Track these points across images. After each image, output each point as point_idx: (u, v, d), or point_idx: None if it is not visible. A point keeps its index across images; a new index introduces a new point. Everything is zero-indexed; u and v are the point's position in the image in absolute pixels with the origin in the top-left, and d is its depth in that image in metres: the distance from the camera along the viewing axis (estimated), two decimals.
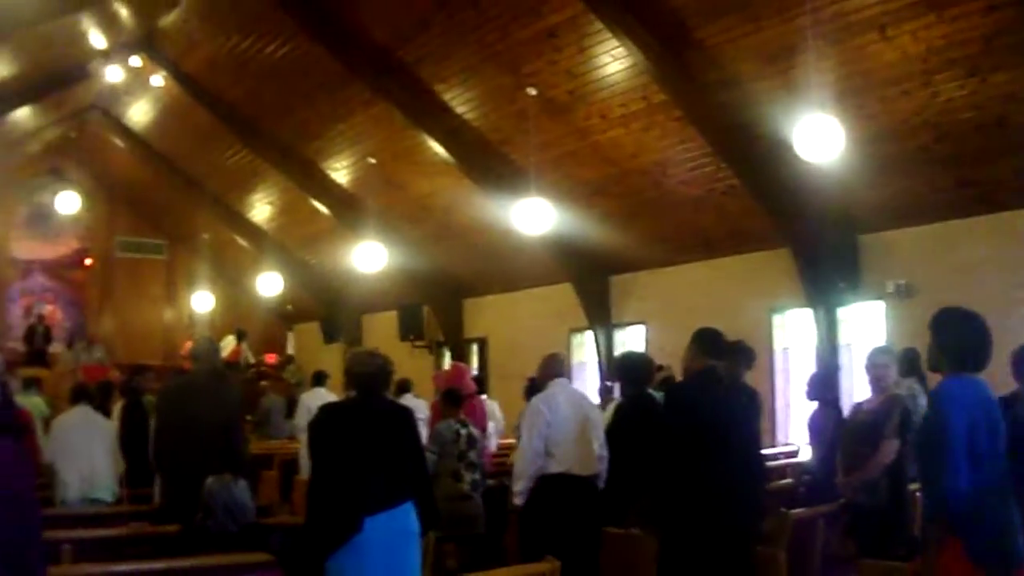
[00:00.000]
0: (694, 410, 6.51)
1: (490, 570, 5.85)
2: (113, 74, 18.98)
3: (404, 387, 14.00)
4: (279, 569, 5.83)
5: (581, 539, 7.96)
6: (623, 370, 8.95)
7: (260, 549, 6.00)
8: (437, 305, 21.71)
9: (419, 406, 11.99)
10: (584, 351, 18.52)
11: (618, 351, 16.50)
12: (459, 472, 9.80)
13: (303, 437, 12.03)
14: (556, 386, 8.60)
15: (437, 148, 16.06)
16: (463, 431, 10.00)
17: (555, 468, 8.28)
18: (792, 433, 14.37)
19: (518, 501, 8.44)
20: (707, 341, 6.79)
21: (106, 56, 18.72)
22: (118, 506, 9.75)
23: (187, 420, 7.98)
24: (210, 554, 5.96)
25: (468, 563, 9.04)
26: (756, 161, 12.77)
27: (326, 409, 6.25)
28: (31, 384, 15.11)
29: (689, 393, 6.89)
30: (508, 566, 6.20)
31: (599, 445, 8.52)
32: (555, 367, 8.79)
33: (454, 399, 10.42)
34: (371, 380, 6.12)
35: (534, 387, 10.21)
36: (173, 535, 7.14)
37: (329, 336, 25.43)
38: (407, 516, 5.92)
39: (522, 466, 8.46)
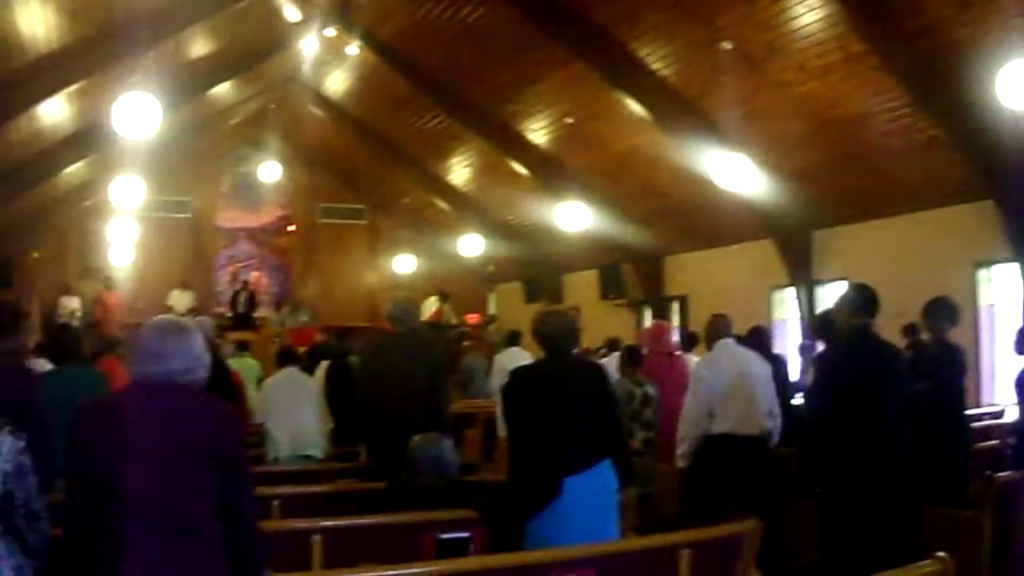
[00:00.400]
0: (841, 373, 6.43)
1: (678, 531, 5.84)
2: (308, 45, 19.37)
3: (613, 345, 14.18)
4: (484, 526, 5.94)
5: (753, 499, 7.93)
6: (825, 328, 8.85)
7: (465, 506, 6.11)
8: (637, 263, 21.66)
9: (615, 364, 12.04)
10: (786, 308, 18.30)
11: (820, 308, 16.25)
12: (632, 431, 9.87)
13: (498, 397, 12.17)
14: (720, 347, 8.67)
15: (633, 106, 15.98)
16: (638, 390, 10.10)
17: (718, 428, 8.32)
18: (999, 393, 13.92)
19: (682, 463, 8.50)
20: (858, 299, 6.66)
21: (301, 28, 19.11)
22: (326, 463, 10.05)
23: (389, 379, 8.15)
24: (416, 510, 6.10)
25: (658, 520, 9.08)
26: (958, 110, 12.36)
27: (518, 373, 6.33)
28: (243, 347, 15.68)
29: (836, 356, 6.81)
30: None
31: (769, 403, 8.50)
32: (720, 328, 8.83)
33: (634, 358, 10.49)
34: (559, 339, 6.19)
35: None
36: (380, 492, 7.32)
37: (531, 296, 25.61)
38: (605, 474, 5.98)
39: (685, 429, 8.56)
